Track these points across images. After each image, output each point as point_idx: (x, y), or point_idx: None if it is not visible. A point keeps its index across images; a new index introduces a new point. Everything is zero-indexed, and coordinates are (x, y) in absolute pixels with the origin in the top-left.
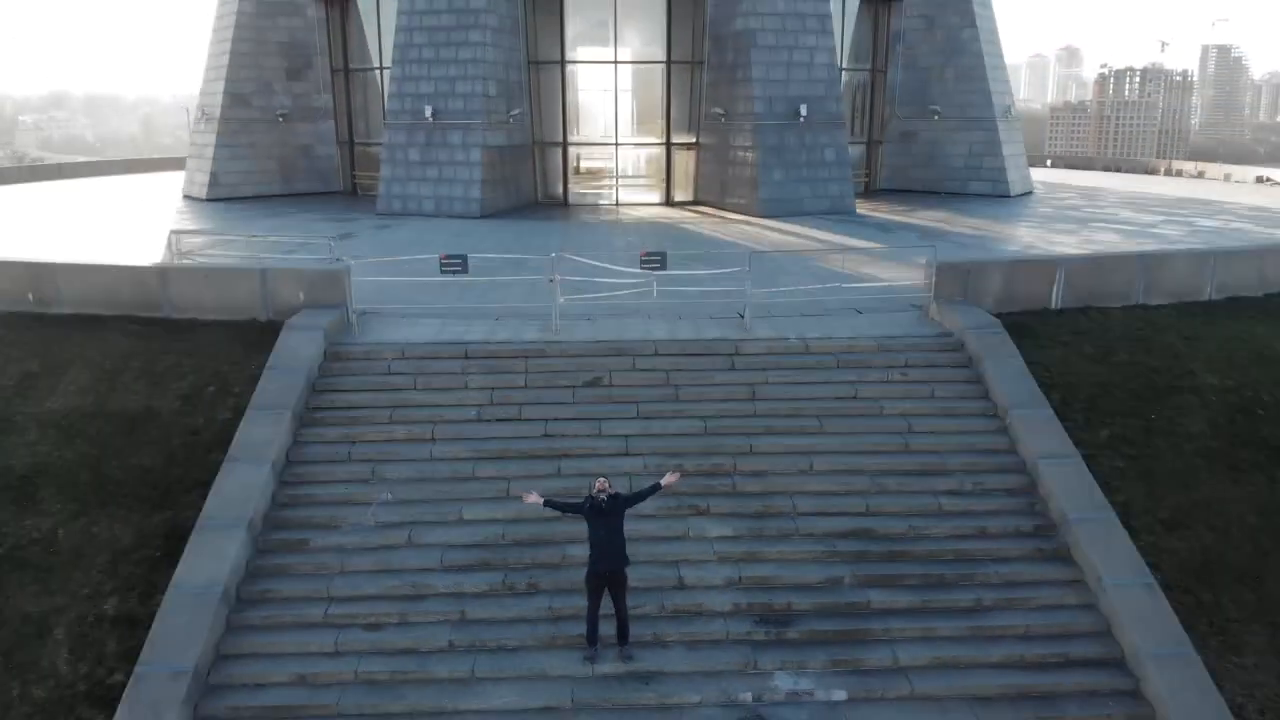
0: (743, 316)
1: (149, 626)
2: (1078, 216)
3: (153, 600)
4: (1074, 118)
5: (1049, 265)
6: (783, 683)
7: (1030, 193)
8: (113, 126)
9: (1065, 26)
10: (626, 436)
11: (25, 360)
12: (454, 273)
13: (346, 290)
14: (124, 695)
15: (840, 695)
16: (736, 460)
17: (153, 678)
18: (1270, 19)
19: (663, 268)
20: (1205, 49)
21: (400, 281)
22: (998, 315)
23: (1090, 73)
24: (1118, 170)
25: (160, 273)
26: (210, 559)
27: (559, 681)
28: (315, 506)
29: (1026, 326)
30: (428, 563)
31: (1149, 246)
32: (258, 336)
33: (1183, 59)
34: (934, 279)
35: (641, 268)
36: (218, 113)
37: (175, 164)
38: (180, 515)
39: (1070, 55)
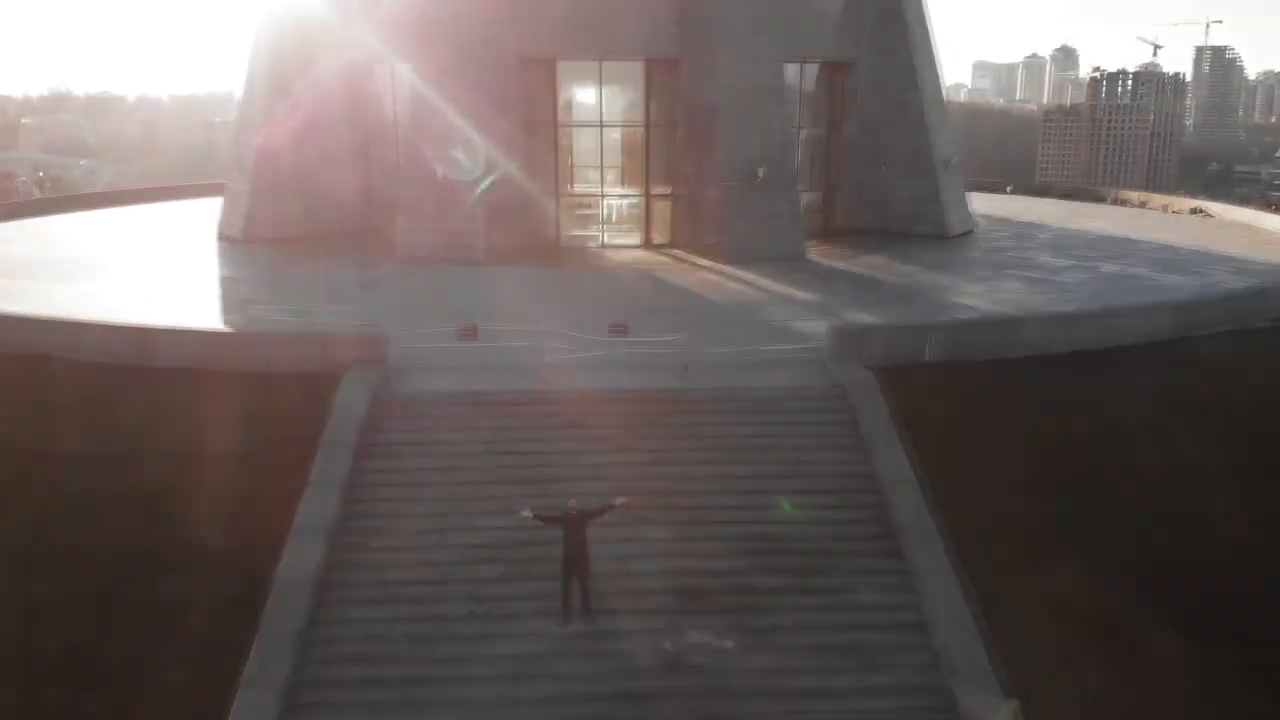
0: (686, 369)
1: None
2: (997, 262)
3: (264, 588)
4: (1066, 120)
5: (921, 330)
6: (692, 637)
7: (970, 232)
8: (114, 129)
9: (1063, 26)
10: (595, 465)
11: (140, 406)
12: (469, 342)
13: (385, 352)
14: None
15: (729, 644)
16: (675, 483)
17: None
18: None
19: (625, 334)
20: (1200, 50)
21: (427, 340)
22: (882, 367)
23: (1085, 71)
24: (1069, 198)
25: (245, 338)
26: (300, 558)
27: (544, 637)
28: (370, 518)
29: (900, 377)
30: (454, 557)
31: (1045, 296)
32: (320, 387)
33: (1179, 61)
34: (831, 341)
35: (609, 335)
36: (251, 165)
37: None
38: (275, 524)
39: (1066, 56)
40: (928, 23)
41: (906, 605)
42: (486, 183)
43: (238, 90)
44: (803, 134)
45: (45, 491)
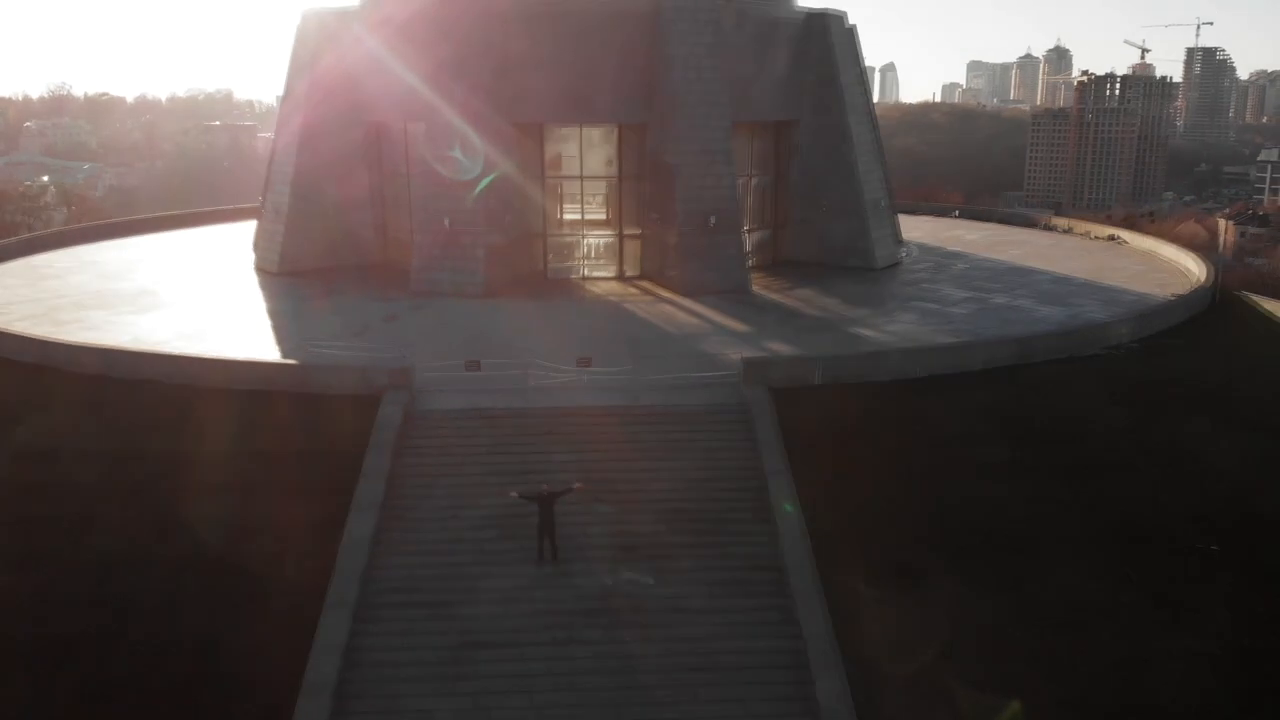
0: (636, 395)
1: (335, 556)
2: (906, 294)
3: (335, 545)
4: (1054, 124)
5: (811, 361)
6: (626, 573)
7: (897, 263)
8: (114, 132)
9: (1057, 26)
10: (564, 461)
11: (232, 421)
12: (474, 370)
13: (411, 379)
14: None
15: (650, 580)
16: (620, 475)
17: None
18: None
19: (589, 366)
20: (1190, 52)
21: (442, 369)
22: (780, 389)
23: (1078, 72)
24: (1006, 223)
25: (310, 369)
26: (360, 526)
27: (526, 575)
28: (405, 499)
29: (790, 397)
30: (463, 524)
31: (931, 327)
32: (364, 406)
33: (1170, 63)
34: (742, 369)
35: (577, 366)
36: (285, 207)
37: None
38: (340, 501)
39: (1060, 56)
40: (865, 82)
41: (771, 555)
42: (484, 230)
43: (236, 90)
44: (754, 181)
45: (179, 481)
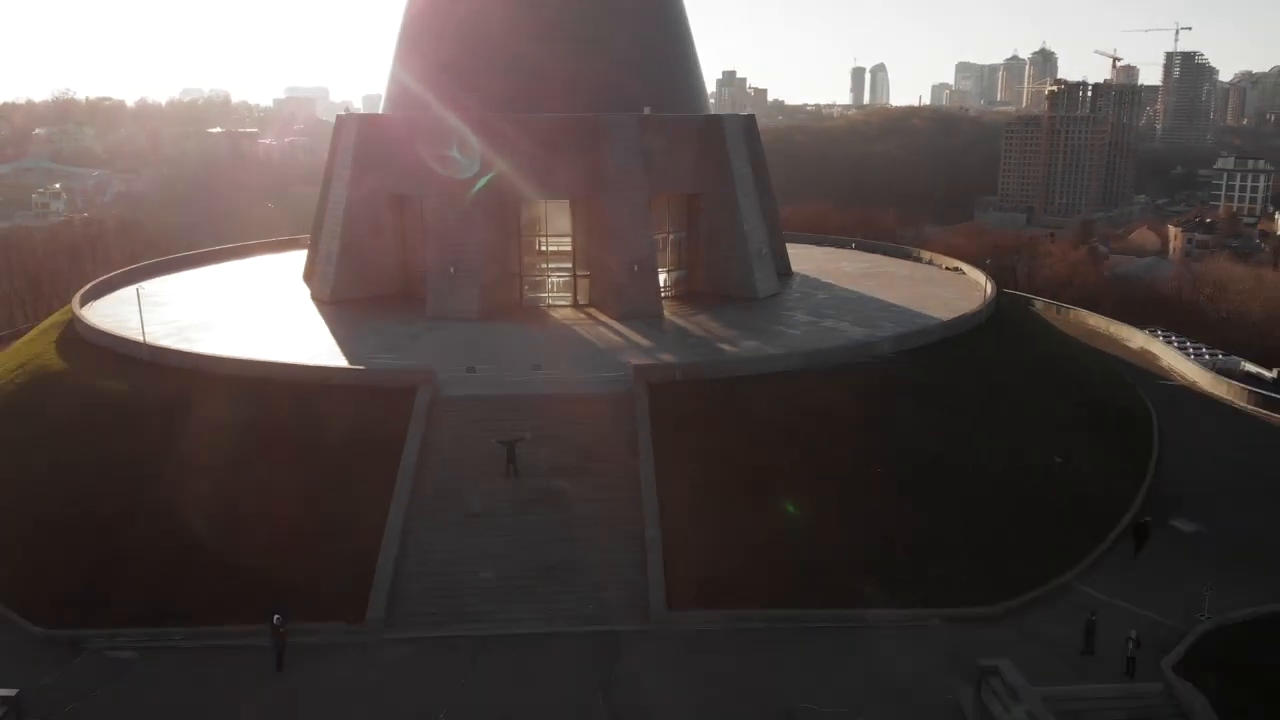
0: (569, 387)
1: (394, 486)
2: (769, 318)
3: (393, 480)
4: (1026, 131)
5: (675, 366)
6: (555, 483)
7: (776, 294)
8: (119, 137)
9: (1042, 28)
10: (523, 423)
11: (324, 404)
12: (472, 372)
13: (434, 377)
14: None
15: (567, 486)
16: (555, 430)
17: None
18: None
19: (540, 369)
20: (1170, 56)
21: (453, 373)
22: (655, 384)
23: (1065, 73)
24: (886, 255)
25: (373, 371)
26: (408, 458)
27: (501, 481)
28: (434, 445)
29: (661, 390)
30: (467, 457)
31: (768, 342)
32: (406, 394)
33: (1153, 67)
34: (632, 371)
35: (532, 369)
36: (335, 256)
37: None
38: (395, 446)
39: (1045, 59)
40: (758, 160)
41: (634, 476)
42: (479, 272)
43: (233, 92)
44: (671, 236)
45: (303, 432)
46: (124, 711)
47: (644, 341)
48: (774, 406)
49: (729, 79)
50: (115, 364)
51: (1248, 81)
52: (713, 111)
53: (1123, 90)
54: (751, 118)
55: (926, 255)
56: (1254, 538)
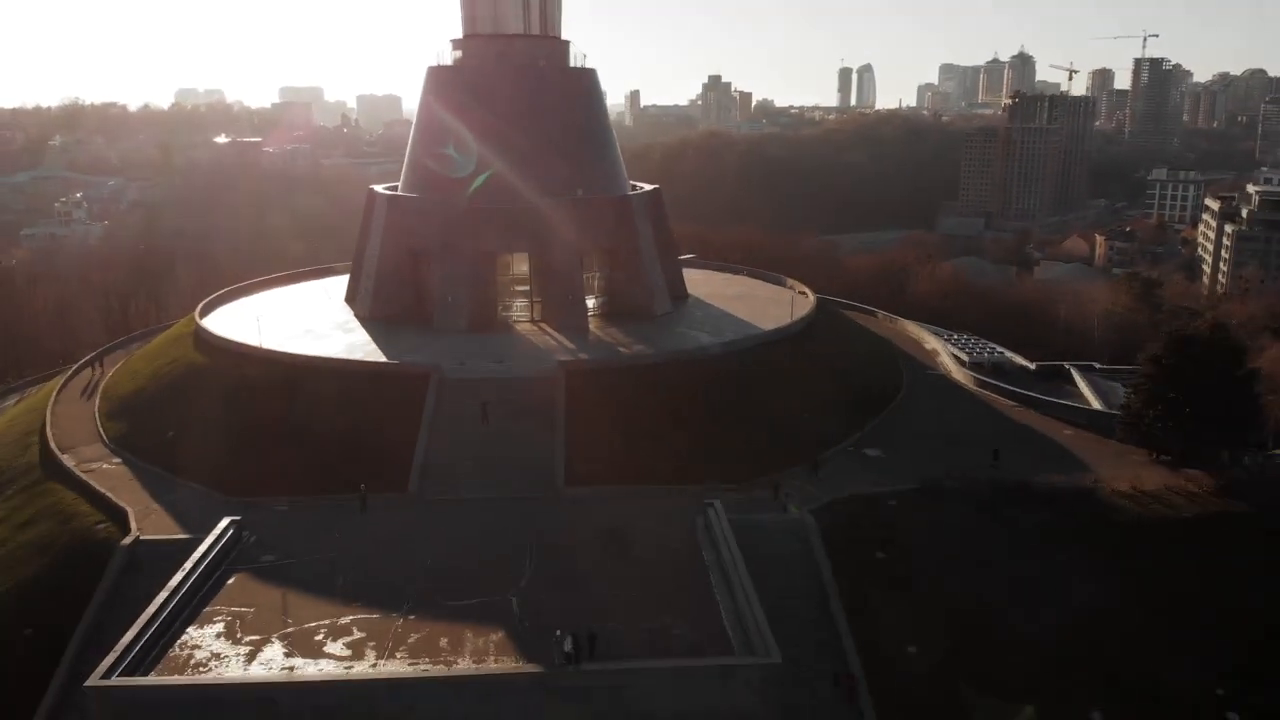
0: (516, 373)
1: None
2: (654, 330)
3: (415, 437)
4: (984, 141)
5: (585, 360)
6: (508, 426)
7: (668, 313)
8: (131, 145)
9: (1022, 31)
10: (491, 394)
11: (376, 384)
12: (462, 365)
13: (440, 368)
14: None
15: (516, 429)
16: (508, 399)
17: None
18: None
19: (501, 361)
20: (1138, 62)
21: (452, 365)
22: (572, 371)
23: (1042, 75)
24: (767, 282)
25: (406, 365)
26: (427, 414)
27: (479, 427)
28: (443, 407)
29: (577, 377)
30: (463, 414)
31: (643, 346)
32: (422, 379)
33: (1127, 72)
34: (557, 364)
35: (495, 362)
36: (372, 288)
37: (309, 275)
38: (416, 409)
39: (1024, 62)
40: (653, 224)
41: (552, 443)
42: (467, 307)
43: (226, 91)
44: (597, 274)
45: (368, 396)
46: (284, 531)
47: (571, 345)
48: (643, 385)
49: (714, 83)
50: (238, 358)
51: (1220, 85)
52: (698, 105)
53: (1076, 102)
54: (657, 190)
55: (789, 281)
56: (913, 459)
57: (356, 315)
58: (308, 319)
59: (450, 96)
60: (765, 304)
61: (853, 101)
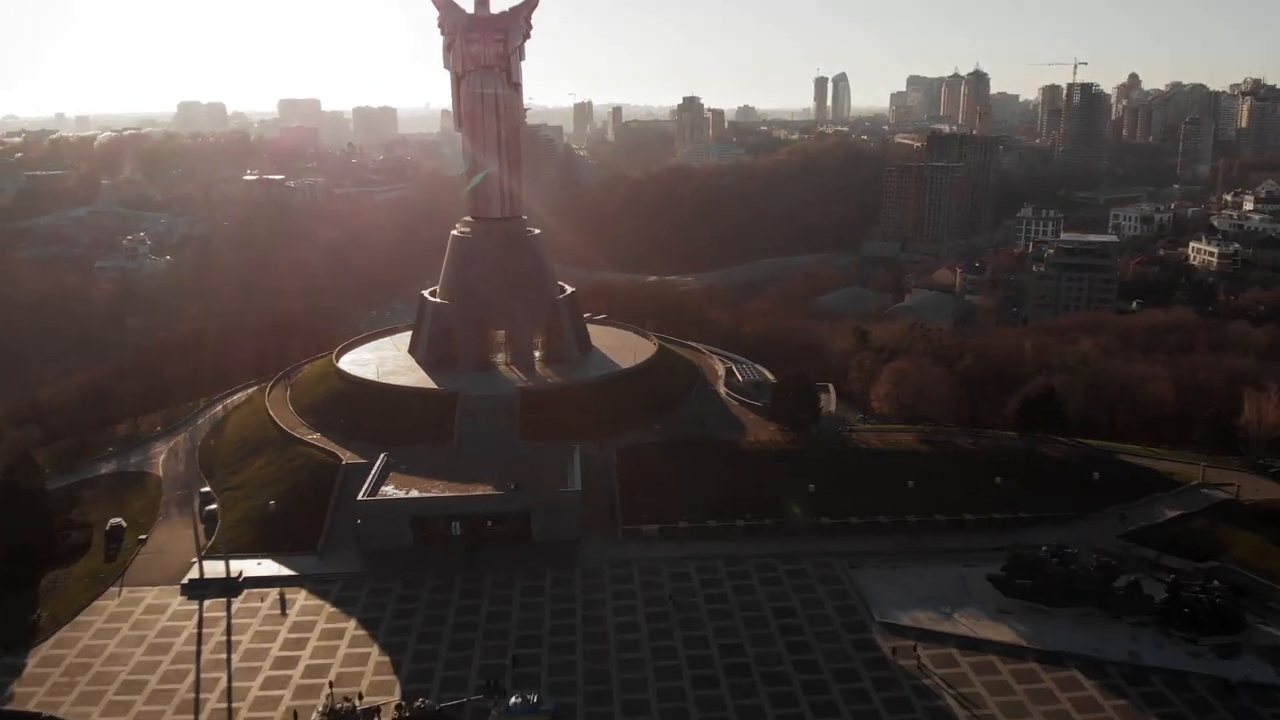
0: (497, 393)
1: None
2: (564, 370)
3: (452, 418)
4: (900, 176)
5: (530, 384)
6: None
7: (579, 357)
8: (169, 179)
9: (978, 48)
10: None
11: (431, 401)
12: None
13: (466, 389)
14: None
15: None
16: (496, 410)
17: None
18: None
19: (492, 386)
20: (1071, 87)
21: (469, 391)
22: (526, 391)
23: (999, 86)
24: (637, 334)
25: (447, 390)
26: (456, 423)
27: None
28: (461, 415)
29: (528, 394)
30: (474, 418)
31: (565, 377)
32: (452, 397)
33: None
34: (518, 389)
35: (490, 387)
36: (425, 342)
37: (378, 335)
38: (448, 422)
39: (978, 79)
40: (571, 314)
41: (513, 426)
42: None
43: (228, 103)
44: (541, 339)
45: (423, 409)
46: (394, 458)
47: (525, 377)
48: (563, 400)
49: (689, 104)
50: (363, 384)
51: (1159, 99)
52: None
53: (982, 142)
54: (575, 293)
55: (650, 333)
56: (670, 430)
57: (416, 360)
58: (393, 362)
59: (462, 250)
60: (633, 350)
61: (829, 107)
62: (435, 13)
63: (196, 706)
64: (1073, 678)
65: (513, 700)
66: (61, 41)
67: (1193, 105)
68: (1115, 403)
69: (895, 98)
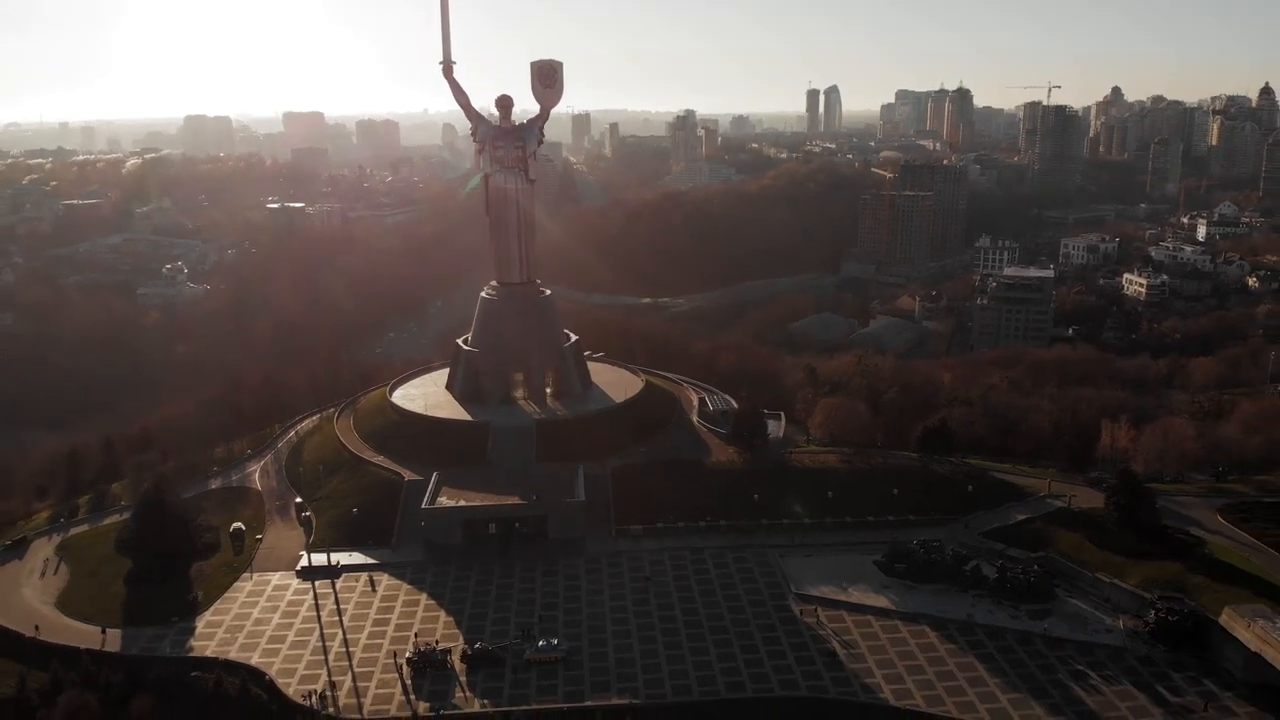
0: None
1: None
2: (569, 404)
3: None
4: (875, 203)
5: (545, 415)
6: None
7: (582, 393)
8: (195, 207)
9: (961, 66)
10: (508, 432)
11: (464, 433)
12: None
13: (491, 421)
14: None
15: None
16: (520, 437)
17: None
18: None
19: (514, 418)
20: (1045, 110)
21: (491, 420)
22: (541, 422)
23: (983, 100)
24: (634, 373)
25: (472, 422)
26: (489, 444)
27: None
28: (492, 438)
29: (543, 425)
30: (501, 440)
31: (564, 408)
32: (483, 427)
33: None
34: (534, 420)
35: (512, 418)
36: (461, 382)
37: (416, 373)
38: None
39: (962, 97)
40: (575, 359)
41: (533, 446)
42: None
43: (233, 114)
44: (550, 379)
45: (459, 436)
46: (443, 477)
47: (539, 410)
48: (570, 429)
49: (681, 122)
50: (414, 416)
51: (1134, 117)
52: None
53: (951, 171)
54: (579, 341)
55: (639, 370)
56: (658, 450)
57: (452, 395)
58: (434, 397)
59: (488, 309)
60: (626, 385)
61: (820, 117)
62: (444, 34)
63: (325, 650)
64: (923, 630)
65: (540, 643)
66: (61, 45)
67: (1168, 122)
68: (1003, 430)
69: (884, 110)
